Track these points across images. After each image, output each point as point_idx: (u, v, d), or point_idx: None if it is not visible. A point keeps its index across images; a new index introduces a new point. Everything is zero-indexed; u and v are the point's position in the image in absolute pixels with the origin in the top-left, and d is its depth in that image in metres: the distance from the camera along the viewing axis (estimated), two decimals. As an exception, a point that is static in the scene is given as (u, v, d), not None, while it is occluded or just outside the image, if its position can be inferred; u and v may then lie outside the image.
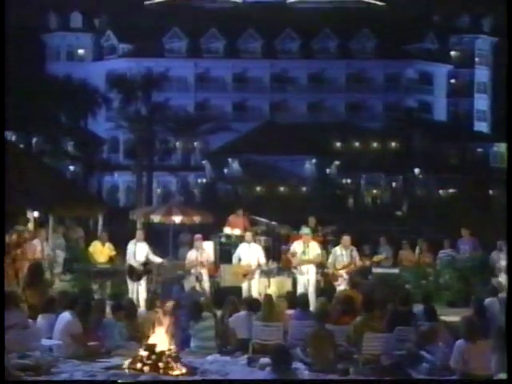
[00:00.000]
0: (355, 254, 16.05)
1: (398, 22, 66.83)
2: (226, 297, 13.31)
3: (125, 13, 67.49)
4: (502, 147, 68.31)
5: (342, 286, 15.41)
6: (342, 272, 15.66)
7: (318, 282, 16.16)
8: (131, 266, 15.89)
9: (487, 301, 12.60)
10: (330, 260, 16.11)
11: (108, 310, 12.75)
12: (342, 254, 15.88)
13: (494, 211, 53.41)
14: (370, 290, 14.99)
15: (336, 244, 17.06)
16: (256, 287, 15.72)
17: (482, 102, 74.15)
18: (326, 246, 17.69)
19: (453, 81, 73.09)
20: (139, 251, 15.95)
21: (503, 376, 8.56)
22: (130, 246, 16.07)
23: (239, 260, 16.05)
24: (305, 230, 16.80)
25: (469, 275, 17.33)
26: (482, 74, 74.17)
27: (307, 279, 15.76)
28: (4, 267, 13.91)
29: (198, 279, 15.95)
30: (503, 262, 16.37)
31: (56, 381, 9.90)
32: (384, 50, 68.69)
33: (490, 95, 74.51)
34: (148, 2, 72.78)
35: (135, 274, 15.85)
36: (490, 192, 62.24)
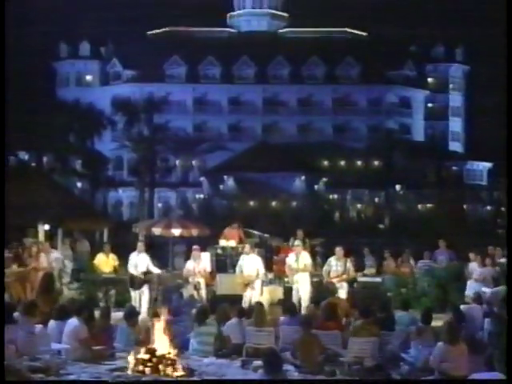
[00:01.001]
0: (349, 264, 15.99)
1: (379, 50, 67.17)
2: (222, 304, 13.27)
3: (129, 42, 67.70)
4: (474, 165, 68.63)
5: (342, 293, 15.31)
6: (335, 281, 15.61)
7: (308, 290, 16.04)
8: (132, 276, 15.83)
9: (464, 307, 12.58)
10: (324, 269, 16.03)
11: (114, 315, 12.70)
12: (337, 265, 15.82)
13: (469, 224, 53.56)
14: (364, 298, 15.01)
15: (323, 255, 17.03)
16: (257, 296, 15.50)
17: (456, 125, 74.54)
18: (314, 257, 17.65)
19: (429, 105, 73.45)
20: (140, 262, 15.88)
21: (477, 376, 8.49)
22: (132, 256, 16.01)
23: (241, 271, 15.90)
24: (296, 242, 16.77)
25: (445, 283, 17.32)
26: (456, 99, 74.59)
27: (299, 287, 15.71)
28: (4, 269, 13.75)
29: (196, 288, 15.88)
30: (477, 271, 16.37)
31: (55, 381, 9.78)
32: (367, 77, 68.99)
33: (463, 118, 74.96)
34: (150, 32, 72.92)
35: (136, 283, 15.77)
36: (465, 206, 62.40)
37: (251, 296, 15.52)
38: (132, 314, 12.38)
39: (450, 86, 74.16)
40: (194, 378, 10.16)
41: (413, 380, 9.88)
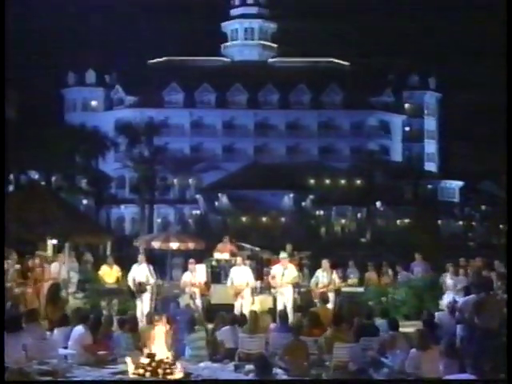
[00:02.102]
0: (335, 276, 15.97)
1: (361, 79, 67.53)
2: (216, 312, 13.23)
3: (131, 70, 67.87)
4: (448, 184, 68.89)
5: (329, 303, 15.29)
6: (322, 291, 15.59)
7: (295, 299, 16.01)
8: (132, 286, 15.76)
9: (438, 314, 12.59)
10: (312, 280, 15.97)
11: (115, 323, 12.64)
12: (323, 276, 15.79)
13: (443, 238, 53.67)
14: (348, 307, 14.99)
15: (310, 267, 17.00)
16: (247, 305, 15.42)
17: (430, 147, 74.91)
18: (302, 268, 17.62)
19: (406, 128, 73.78)
20: (140, 273, 15.84)
21: (450, 377, 8.51)
22: (133, 268, 15.96)
23: (232, 282, 15.79)
24: (283, 255, 16.73)
25: (421, 293, 17.31)
26: (430, 123, 75.05)
27: (286, 297, 15.69)
28: (4, 273, 13.65)
29: (192, 297, 15.79)
30: (450, 282, 16.40)
31: (55, 381, 9.71)
32: (349, 102, 69.32)
33: (437, 141, 75.36)
34: (151, 61, 73.09)
35: (135, 293, 15.72)
36: (439, 222, 62.51)
37: (241, 305, 15.47)
38: (132, 322, 12.34)
39: (425, 111, 74.64)
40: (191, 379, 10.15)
41: (393, 380, 9.84)
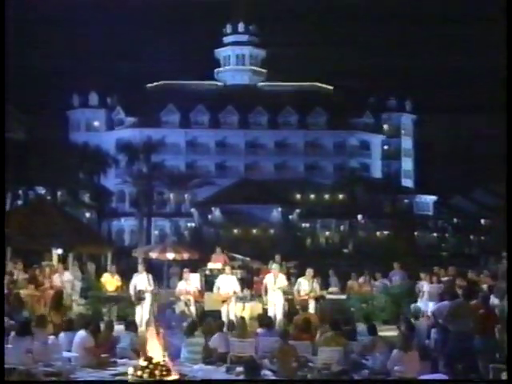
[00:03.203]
0: (316, 284, 15.99)
1: (343, 101, 67.91)
2: (208, 319, 13.19)
3: (131, 93, 67.90)
4: (423, 198, 69.15)
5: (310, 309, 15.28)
6: (302, 298, 15.58)
7: (283, 306, 15.98)
8: (132, 293, 15.71)
9: (413, 319, 12.59)
10: (295, 288, 15.95)
11: (117, 328, 12.59)
12: (305, 284, 15.77)
13: (418, 249, 53.79)
14: (332, 313, 14.93)
15: (298, 275, 16.99)
16: (233, 311, 15.44)
17: (407, 164, 75.22)
18: (289, 277, 17.62)
19: (385, 147, 74.09)
20: (141, 281, 15.79)
21: (424, 377, 8.53)
22: (134, 277, 15.90)
23: (218, 289, 15.77)
24: (274, 266, 16.72)
25: (399, 299, 17.32)
26: (407, 143, 75.45)
27: (275, 304, 15.67)
28: (4, 273, 13.56)
29: (187, 304, 15.76)
30: (426, 288, 16.39)
31: (55, 381, 9.61)
32: (333, 123, 69.57)
33: (413, 158, 75.71)
34: (149, 85, 73.20)
35: (135, 300, 15.66)
36: (415, 233, 62.67)
37: (228, 311, 15.41)
38: (132, 327, 12.31)
39: (402, 131, 75.03)
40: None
41: (380, 380, 9.74)
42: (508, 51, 11.38)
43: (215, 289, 15.91)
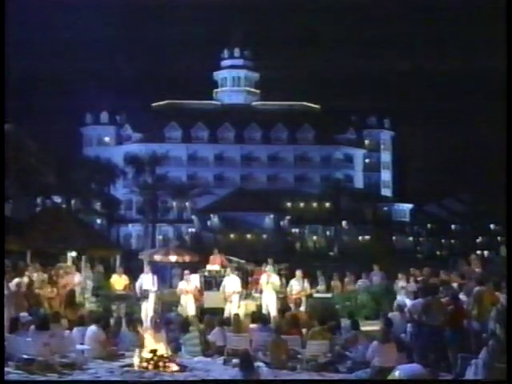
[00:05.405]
0: (306, 284, 16.01)
1: (329, 119, 68.18)
2: (207, 315, 13.19)
3: (138, 111, 67.97)
4: (400, 206, 69.37)
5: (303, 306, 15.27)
6: (296, 297, 15.57)
7: (276, 304, 15.96)
8: (138, 292, 15.67)
9: (392, 314, 12.62)
10: (288, 289, 15.98)
11: (124, 323, 12.58)
12: (296, 284, 15.82)
13: (396, 251, 53.90)
14: (318, 310, 14.93)
15: (288, 277, 17.00)
16: (235, 308, 15.38)
17: (386, 175, 75.53)
18: (280, 278, 17.62)
19: (366, 160, 74.39)
20: (146, 281, 15.75)
21: (401, 367, 8.49)
22: (141, 277, 15.86)
23: (223, 289, 15.69)
24: (267, 268, 16.73)
25: (378, 297, 17.34)
26: (386, 156, 75.84)
27: (270, 302, 15.67)
28: (4, 273, 13.46)
29: (182, 305, 15.72)
30: (402, 287, 16.40)
31: (54, 381, 9.51)
32: (320, 139, 69.86)
33: (391, 170, 76.02)
34: (154, 104, 73.35)
35: (141, 298, 15.63)
36: (393, 238, 62.84)
37: (230, 308, 15.44)
38: (138, 322, 12.29)
39: (381, 146, 75.45)
40: (186, 373, 10.09)
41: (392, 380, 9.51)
42: (508, 66, 10.62)
43: (221, 288, 15.82)
